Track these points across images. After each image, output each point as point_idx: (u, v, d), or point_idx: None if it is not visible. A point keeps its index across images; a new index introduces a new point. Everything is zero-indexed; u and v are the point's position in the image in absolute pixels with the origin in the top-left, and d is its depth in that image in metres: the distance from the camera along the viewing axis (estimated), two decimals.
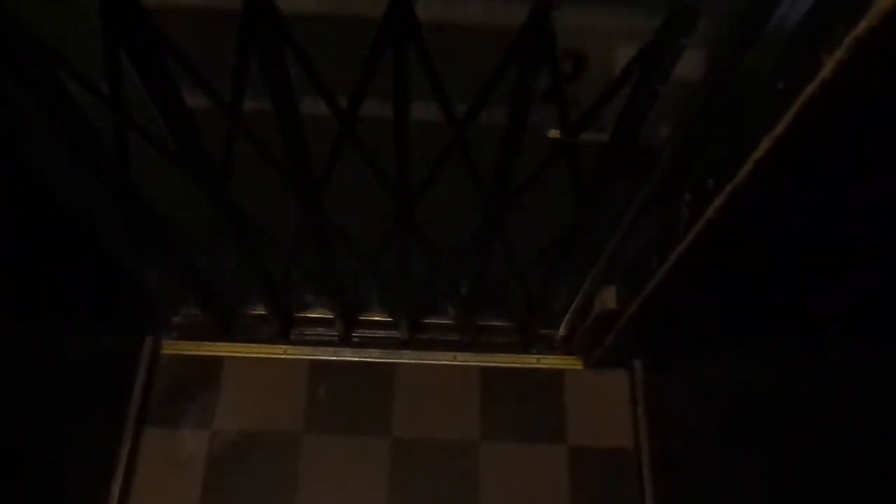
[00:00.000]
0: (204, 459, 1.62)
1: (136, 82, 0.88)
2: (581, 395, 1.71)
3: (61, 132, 0.99)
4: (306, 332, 1.74)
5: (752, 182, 0.83)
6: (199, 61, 0.87)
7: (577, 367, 1.74)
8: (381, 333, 1.74)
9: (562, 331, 1.69)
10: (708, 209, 0.93)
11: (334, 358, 1.74)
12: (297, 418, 1.67)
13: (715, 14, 0.79)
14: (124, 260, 1.42)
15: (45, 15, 0.86)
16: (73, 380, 1.41)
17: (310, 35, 0.83)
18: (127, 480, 1.57)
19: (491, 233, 1.21)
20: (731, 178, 0.86)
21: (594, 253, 1.31)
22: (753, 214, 0.93)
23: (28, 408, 1.25)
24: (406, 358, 1.74)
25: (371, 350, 1.74)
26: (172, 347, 1.73)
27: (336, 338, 1.74)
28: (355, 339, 1.75)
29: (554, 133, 0.97)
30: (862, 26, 0.60)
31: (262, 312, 1.67)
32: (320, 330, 1.74)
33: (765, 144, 0.77)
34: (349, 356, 1.74)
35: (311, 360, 1.73)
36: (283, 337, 1.73)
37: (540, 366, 1.74)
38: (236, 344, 1.73)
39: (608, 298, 1.37)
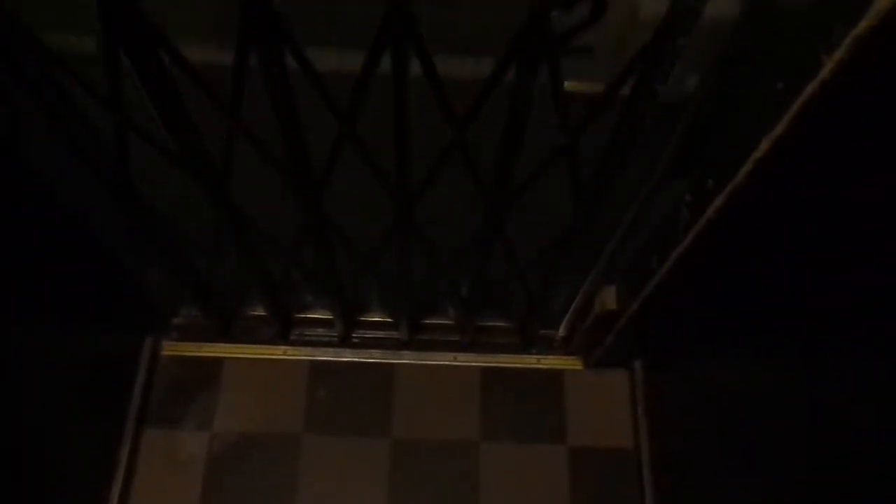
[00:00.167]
0: (204, 460, 1.62)
1: (135, 82, 0.88)
2: (581, 395, 1.71)
3: (61, 132, 0.99)
4: (306, 333, 1.74)
5: (751, 182, 0.83)
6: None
7: (577, 368, 1.74)
8: (381, 334, 1.74)
9: (562, 331, 1.69)
10: (708, 209, 0.93)
11: (334, 358, 1.74)
12: (297, 419, 1.67)
13: None
14: (124, 260, 1.42)
15: (44, 15, 0.86)
16: (73, 380, 1.41)
17: (310, 34, 0.83)
18: (127, 481, 1.57)
19: (491, 233, 1.21)
20: (730, 178, 0.86)
21: (594, 253, 1.31)
22: (753, 214, 0.93)
23: (28, 408, 1.25)
24: (406, 358, 1.74)
25: (371, 351, 1.74)
26: (172, 348, 1.73)
27: (336, 338, 1.74)
28: (355, 340, 1.75)
29: (572, 84, 0.91)
30: (862, 26, 0.60)
31: (262, 313, 1.67)
32: (320, 331, 1.74)
33: (764, 145, 0.77)
34: (349, 357, 1.74)
35: (311, 360, 1.73)
36: (283, 338, 1.73)
37: (540, 366, 1.74)
38: (236, 345, 1.73)
39: (608, 299, 1.37)
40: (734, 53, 0.85)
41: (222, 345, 1.73)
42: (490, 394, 1.71)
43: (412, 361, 1.74)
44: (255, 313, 1.70)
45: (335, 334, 1.72)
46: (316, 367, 1.73)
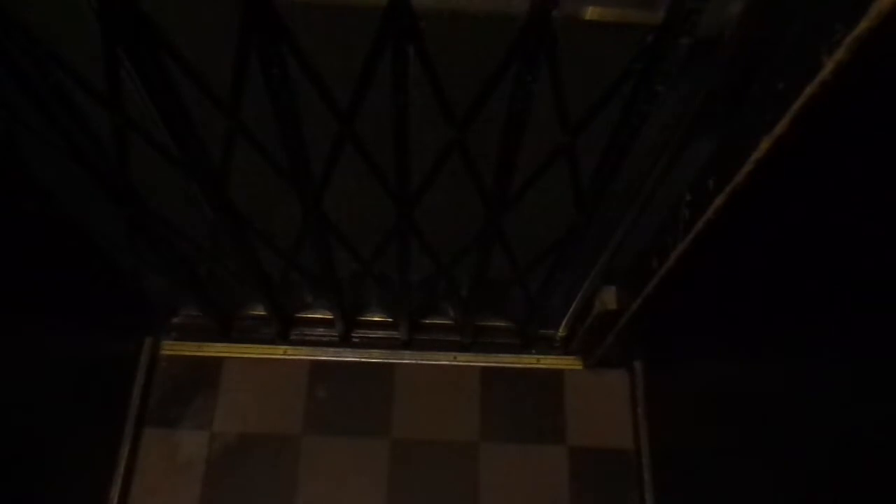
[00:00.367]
0: (203, 460, 1.62)
1: (135, 83, 0.88)
2: (581, 395, 1.71)
3: (60, 133, 0.99)
4: (306, 333, 1.74)
5: (752, 182, 0.83)
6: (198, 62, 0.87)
7: (577, 368, 1.74)
8: (381, 334, 1.74)
9: (562, 331, 1.69)
10: (708, 209, 0.93)
11: (334, 358, 1.74)
12: (297, 419, 1.67)
13: None
14: (123, 260, 1.42)
15: (44, 15, 0.86)
16: (73, 381, 1.41)
17: (310, 34, 0.83)
18: (126, 482, 1.57)
19: (491, 233, 1.21)
20: (731, 178, 0.85)
21: (594, 253, 1.31)
22: (754, 215, 0.93)
23: (27, 409, 1.25)
24: (406, 358, 1.74)
25: (371, 350, 1.74)
26: (172, 348, 1.73)
27: (336, 338, 1.74)
28: (355, 340, 1.75)
29: (595, 11, 0.81)
30: (862, 26, 0.60)
31: (262, 313, 1.67)
32: (320, 330, 1.74)
33: (765, 145, 0.77)
34: (349, 357, 1.74)
35: (311, 360, 1.73)
36: (282, 338, 1.73)
37: (540, 366, 1.74)
38: (236, 345, 1.73)
39: (608, 299, 1.37)
40: None
41: (222, 345, 1.73)
42: (490, 394, 1.71)
43: (412, 361, 1.74)
44: (255, 313, 1.70)
45: (335, 334, 1.72)
46: (316, 367, 1.73)
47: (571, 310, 1.57)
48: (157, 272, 1.53)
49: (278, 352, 1.73)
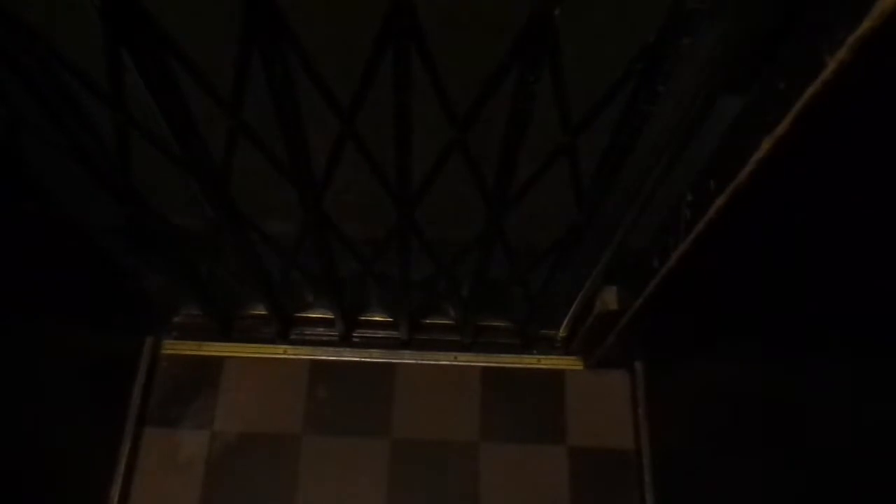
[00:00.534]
0: (204, 460, 1.62)
1: (138, 82, 0.87)
2: (582, 395, 1.71)
3: (62, 133, 0.99)
4: (306, 333, 1.74)
5: (753, 182, 0.83)
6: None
7: (577, 368, 1.74)
8: (381, 333, 1.74)
9: (562, 331, 1.69)
10: (709, 209, 0.93)
11: (334, 358, 1.74)
12: (297, 418, 1.67)
13: None
14: (124, 260, 1.42)
15: (46, 14, 0.86)
16: (73, 380, 1.41)
17: (312, 34, 0.83)
18: (127, 481, 1.57)
19: (492, 233, 1.21)
20: (732, 178, 0.85)
21: (595, 253, 1.31)
22: (755, 215, 0.93)
23: (28, 408, 1.25)
24: (406, 358, 1.74)
25: (371, 350, 1.74)
26: (172, 348, 1.73)
27: (336, 338, 1.74)
28: (356, 340, 1.75)
29: None
30: (864, 26, 0.60)
31: (262, 312, 1.67)
32: (320, 330, 1.74)
33: (766, 145, 0.77)
34: (349, 356, 1.74)
35: (311, 360, 1.73)
36: (283, 337, 1.73)
37: (540, 366, 1.74)
38: (236, 344, 1.73)
39: (609, 299, 1.37)
40: None
41: (222, 344, 1.73)
42: (490, 394, 1.71)
43: (413, 361, 1.74)
44: (255, 313, 1.70)
45: (335, 334, 1.72)
46: (316, 366, 1.73)
47: (572, 310, 1.57)
48: (157, 272, 1.53)
49: (279, 351, 1.73)
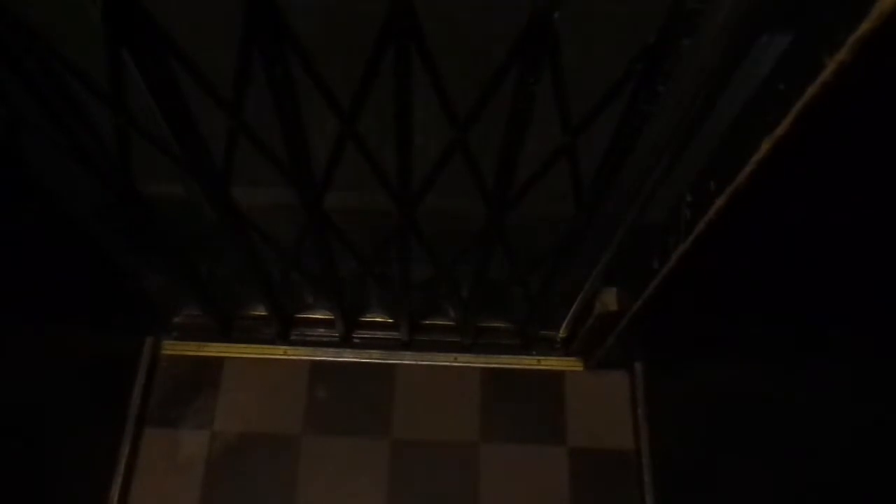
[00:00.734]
0: (204, 460, 1.62)
1: (138, 83, 0.88)
2: (581, 396, 1.71)
3: (63, 132, 0.99)
4: (307, 333, 1.74)
5: (753, 183, 0.83)
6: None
7: (577, 369, 1.74)
8: (381, 334, 1.74)
9: (562, 332, 1.69)
10: (709, 210, 0.93)
11: (335, 359, 1.74)
12: (298, 419, 1.67)
13: None
14: (125, 260, 1.42)
15: (46, 14, 0.86)
16: (73, 381, 1.41)
17: (313, 34, 0.83)
18: (127, 481, 1.57)
19: (492, 233, 1.21)
20: (732, 179, 0.86)
21: (594, 253, 1.31)
22: (755, 216, 0.93)
23: (28, 409, 1.25)
24: (406, 359, 1.74)
25: (371, 351, 1.74)
26: (172, 348, 1.73)
27: (336, 339, 1.74)
28: (356, 340, 1.75)
29: None
30: (864, 27, 0.60)
31: (263, 313, 1.67)
32: (321, 331, 1.74)
33: (766, 146, 0.77)
34: (350, 357, 1.74)
35: (311, 360, 1.73)
36: (283, 338, 1.73)
37: (540, 367, 1.74)
38: (236, 345, 1.73)
39: (609, 300, 1.37)
40: None
41: (222, 345, 1.73)
42: (490, 395, 1.71)
43: (412, 362, 1.74)
44: (256, 313, 1.70)
45: (335, 334, 1.72)
46: (316, 367, 1.73)
47: (572, 311, 1.57)
48: (157, 272, 1.53)
49: (279, 352, 1.73)
